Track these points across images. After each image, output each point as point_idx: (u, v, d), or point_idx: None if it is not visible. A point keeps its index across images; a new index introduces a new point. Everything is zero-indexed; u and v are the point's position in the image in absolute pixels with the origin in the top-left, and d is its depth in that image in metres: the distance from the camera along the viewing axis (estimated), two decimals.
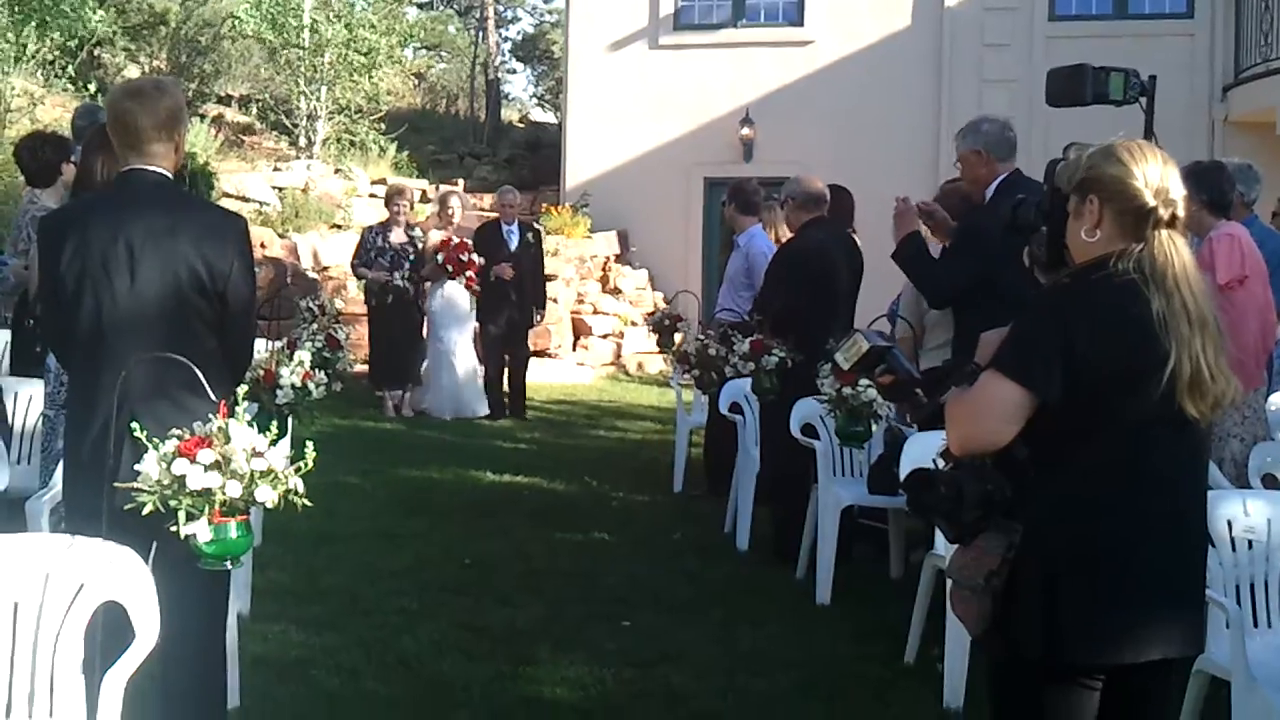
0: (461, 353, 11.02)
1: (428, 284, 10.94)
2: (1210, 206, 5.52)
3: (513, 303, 11.01)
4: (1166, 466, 2.62)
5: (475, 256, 10.68)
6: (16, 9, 15.49)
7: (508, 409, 11.10)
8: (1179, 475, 2.66)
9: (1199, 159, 7.15)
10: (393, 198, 11.26)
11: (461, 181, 18.47)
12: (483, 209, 16.47)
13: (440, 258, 10.69)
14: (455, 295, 10.87)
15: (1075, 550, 2.59)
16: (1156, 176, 2.63)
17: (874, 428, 5.72)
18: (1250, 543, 3.93)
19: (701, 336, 7.39)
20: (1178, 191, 2.65)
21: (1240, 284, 5.40)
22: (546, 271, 12.26)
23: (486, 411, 11.02)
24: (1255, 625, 3.87)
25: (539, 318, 11.59)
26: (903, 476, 4.55)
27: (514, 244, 11.10)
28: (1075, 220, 2.71)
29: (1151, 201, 2.62)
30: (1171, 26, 15.69)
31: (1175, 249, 2.63)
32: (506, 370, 11.20)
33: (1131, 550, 2.59)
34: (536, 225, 12.39)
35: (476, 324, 11.17)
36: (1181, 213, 2.66)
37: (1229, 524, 3.90)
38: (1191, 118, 15.13)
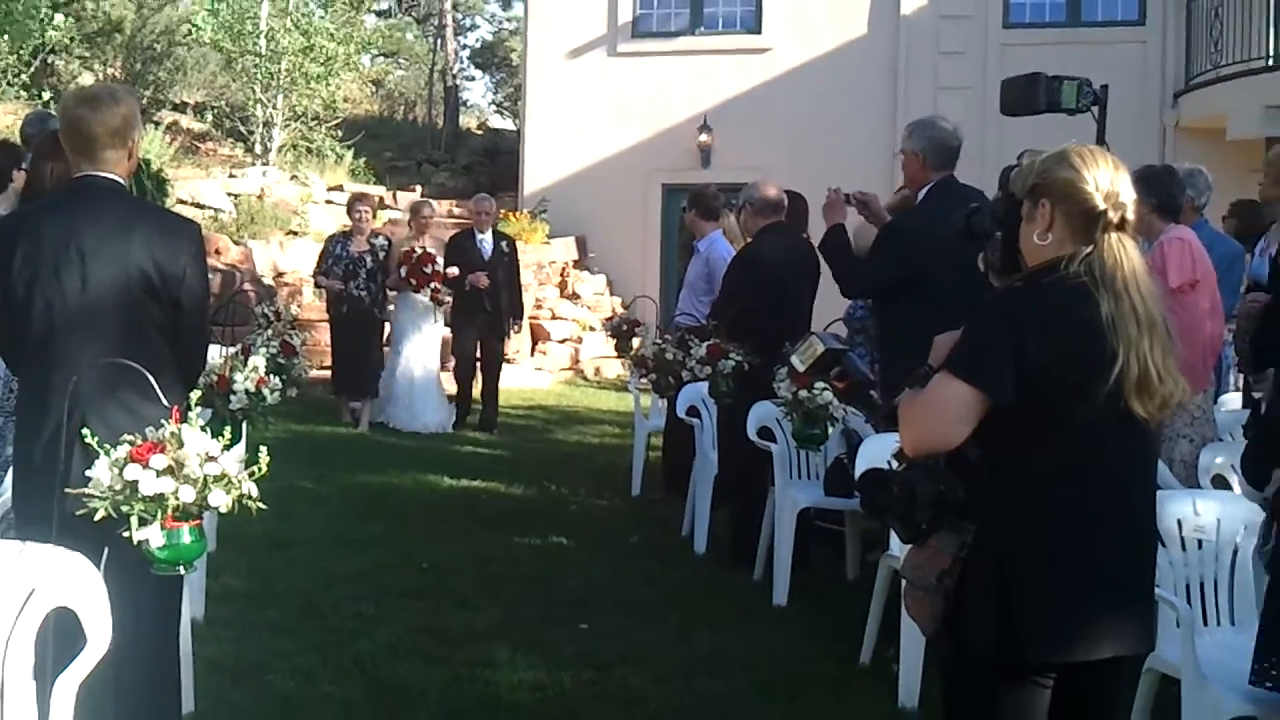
0: (423, 364, 10.70)
1: (393, 293, 10.65)
2: (1160, 210, 5.58)
3: (487, 313, 10.76)
4: (1117, 465, 2.66)
5: (440, 267, 10.44)
6: None
7: (479, 419, 10.88)
8: (1129, 474, 2.69)
9: (1150, 164, 7.25)
10: (354, 205, 10.94)
11: (419, 188, 18.41)
12: (440, 216, 16.42)
13: (404, 270, 10.38)
14: (419, 306, 10.58)
15: (1028, 549, 2.61)
16: (1107, 180, 2.66)
17: (830, 430, 5.75)
18: (1200, 542, 3.98)
19: (659, 341, 7.41)
20: (1128, 195, 2.68)
21: (1191, 287, 5.46)
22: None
23: (448, 426, 10.73)
24: (1205, 624, 3.92)
25: (515, 328, 11.36)
26: (857, 477, 4.61)
27: (488, 253, 10.87)
28: (1028, 224, 2.74)
29: (1101, 205, 2.65)
30: (1124, 34, 15.89)
31: (1125, 251, 2.66)
32: (480, 382, 10.99)
33: (1083, 549, 2.62)
34: (509, 234, 12.08)
35: (447, 333, 10.96)
36: (1131, 216, 2.69)
37: (1179, 523, 3.95)
38: (1143, 124, 15.31)
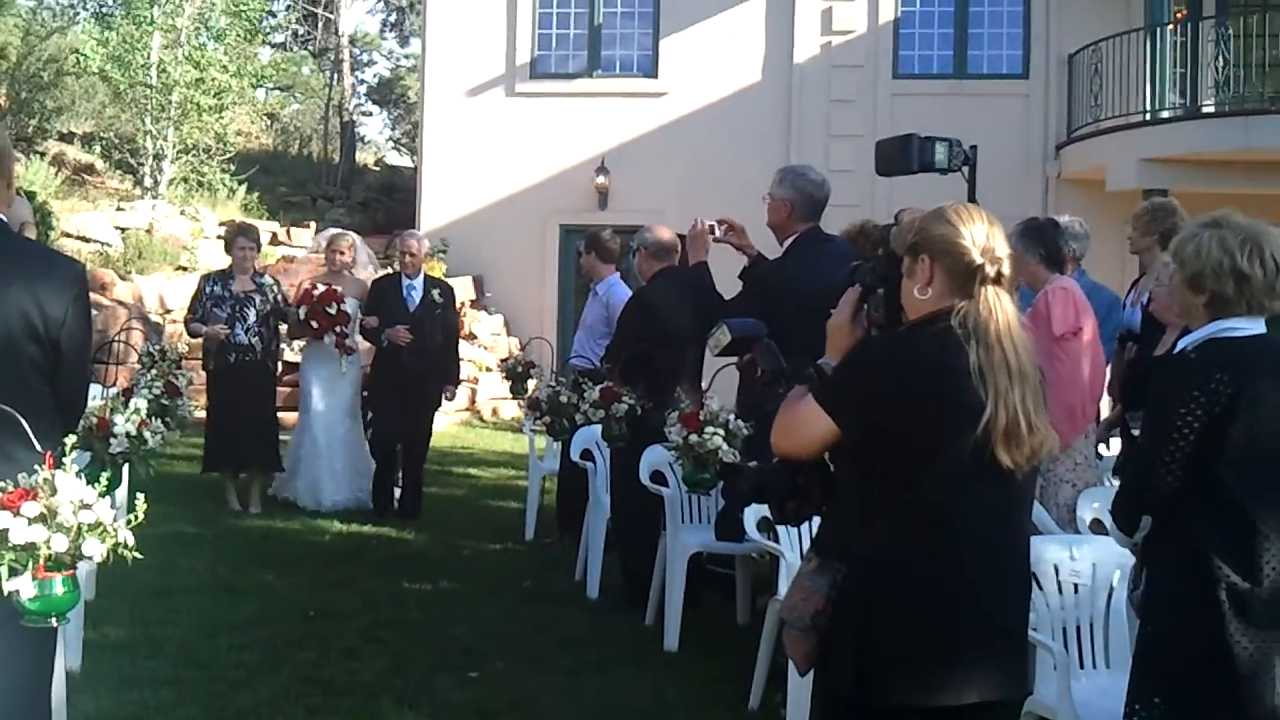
0: (335, 431, 9.07)
1: (297, 344, 9.21)
2: (1046, 261, 5.74)
3: (411, 376, 8.79)
4: (984, 513, 2.72)
5: (347, 306, 8.84)
6: None
7: (397, 504, 9.02)
8: (996, 522, 2.75)
9: (1033, 214, 7.46)
10: (235, 238, 9.11)
11: (314, 224, 18.21)
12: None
13: (303, 311, 8.77)
14: (332, 360, 8.95)
15: (889, 594, 2.68)
16: (983, 236, 2.75)
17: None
18: (1076, 586, 4.08)
19: (553, 384, 7.40)
20: (1003, 250, 2.77)
21: (1074, 335, 5.61)
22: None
23: (365, 501, 9.05)
24: (1081, 667, 4.02)
25: (448, 395, 9.33)
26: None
27: (415, 302, 8.96)
28: (909, 279, 2.82)
29: (979, 259, 2.73)
30: (1007, 86, 16.39)
31: (1000, 304, 2.75)
32: (400, 459, 9.13)
33: (944, 595, 2.68)
34: (445, 280, 10.25)
35: (364, 394, 9.27)
36: (1007, 270, 2.78)
37: (1055, 568, 4.05)
38: (1026, 174, 15.83)
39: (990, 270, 2.74)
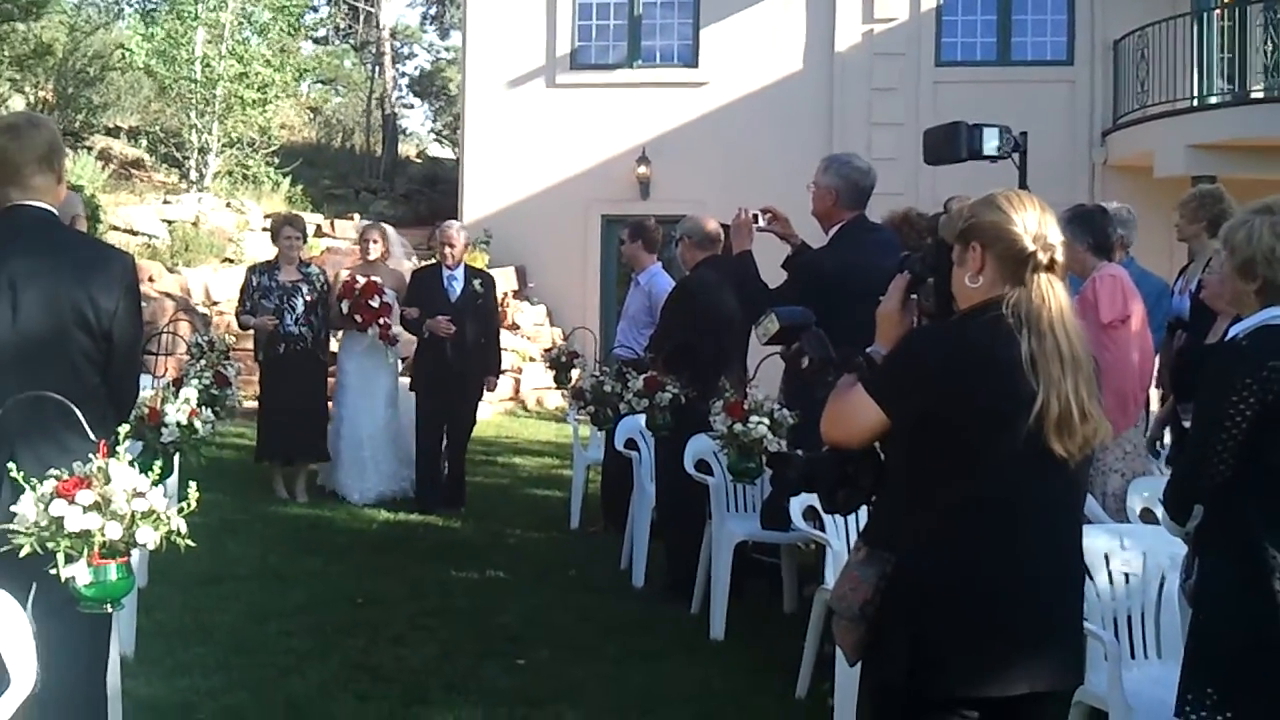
0: (377, 422, 9.08)
1: (340, 333, 9.20)
2: (1094, 249, 5.69)
3: (453, 368, 8.76)
4: (1036, 503, 2.69)
5: (389, 298, 8.87)
6: None
7: (444, 496, 8.88)
8: (1049, 512, 2.72)
9: (1080, 202, 7.38)
10: (281, 228, 9.10)
11: (357, 216, 18.32)
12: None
13: (345, 305, 8.83)
14: (371, 350, 9.01)
15: (940, 584, 2.66)
16: (1035, 223, 2.72)
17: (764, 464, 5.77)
18: (1127, 576, 4.05)
19: (597, 373, 7.41)
20: (1055, 237, 2.74)
21: (1123, 323, 5.56)
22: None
23: (406, 491, 9.07)
24: (1132, 656, 3.99)
25: (490, 385, 9.28)
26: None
27: (456, 293, 8.89)
28: (959, 268, 2.79)
29: (1031, 246, 2.70)
30: (1052, 73, 16.23)
31: (1053, 292, 2.71)
32: (445, 449, 9.02)
33: (998, 586, 2.66)
34: (487, 270, 10.18)
35: (408, 386, 9.17)
36: (1060, 257, 2.74)
37: (1106, 557, 4.02)
38: (1072, 161, 15.66)
39: (1043, 257, 2.70)
